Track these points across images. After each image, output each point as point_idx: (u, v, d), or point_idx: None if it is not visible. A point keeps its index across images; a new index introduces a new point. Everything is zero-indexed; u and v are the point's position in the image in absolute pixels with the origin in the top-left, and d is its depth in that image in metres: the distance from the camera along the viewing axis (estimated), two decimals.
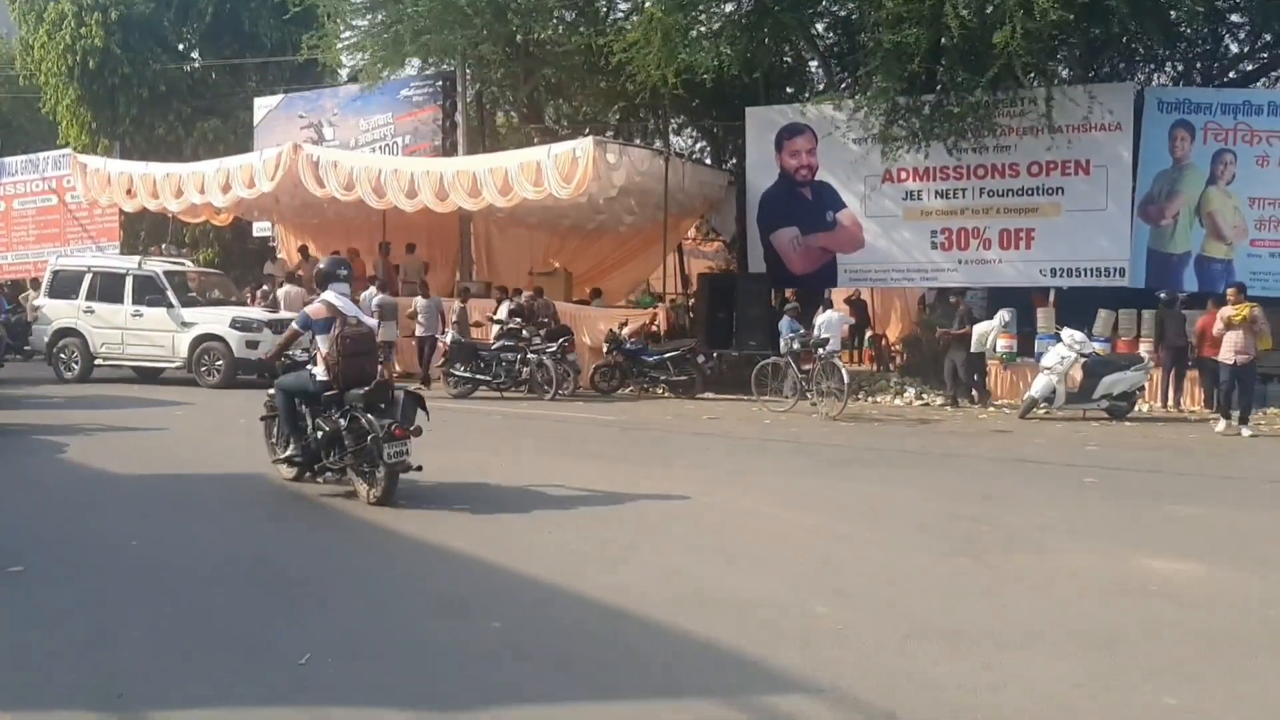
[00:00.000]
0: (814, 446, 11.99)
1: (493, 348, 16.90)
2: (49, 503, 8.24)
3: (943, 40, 16.42)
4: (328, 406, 8.15)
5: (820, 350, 14.82)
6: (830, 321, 16.98)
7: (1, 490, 8.71)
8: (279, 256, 23.00)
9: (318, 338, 8.20)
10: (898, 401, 16.93)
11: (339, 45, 22.42)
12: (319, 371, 8.18)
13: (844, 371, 14.45)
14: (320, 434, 8.18)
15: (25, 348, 20.43)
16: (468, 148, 21.74)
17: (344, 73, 29.95)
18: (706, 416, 14.55)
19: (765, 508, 8.22)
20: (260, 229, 25.99)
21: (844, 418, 14.31)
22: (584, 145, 16.91)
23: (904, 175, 18.76)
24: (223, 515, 7.74)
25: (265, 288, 20.67)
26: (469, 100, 22.69)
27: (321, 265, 8.85)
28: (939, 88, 17.51)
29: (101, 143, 27.38)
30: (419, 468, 7.90)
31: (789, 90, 22.71)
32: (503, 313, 17.75)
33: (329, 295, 8.26)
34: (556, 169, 17.04)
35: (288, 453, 8.50)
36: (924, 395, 16.85)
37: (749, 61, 18.17)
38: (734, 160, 23.26)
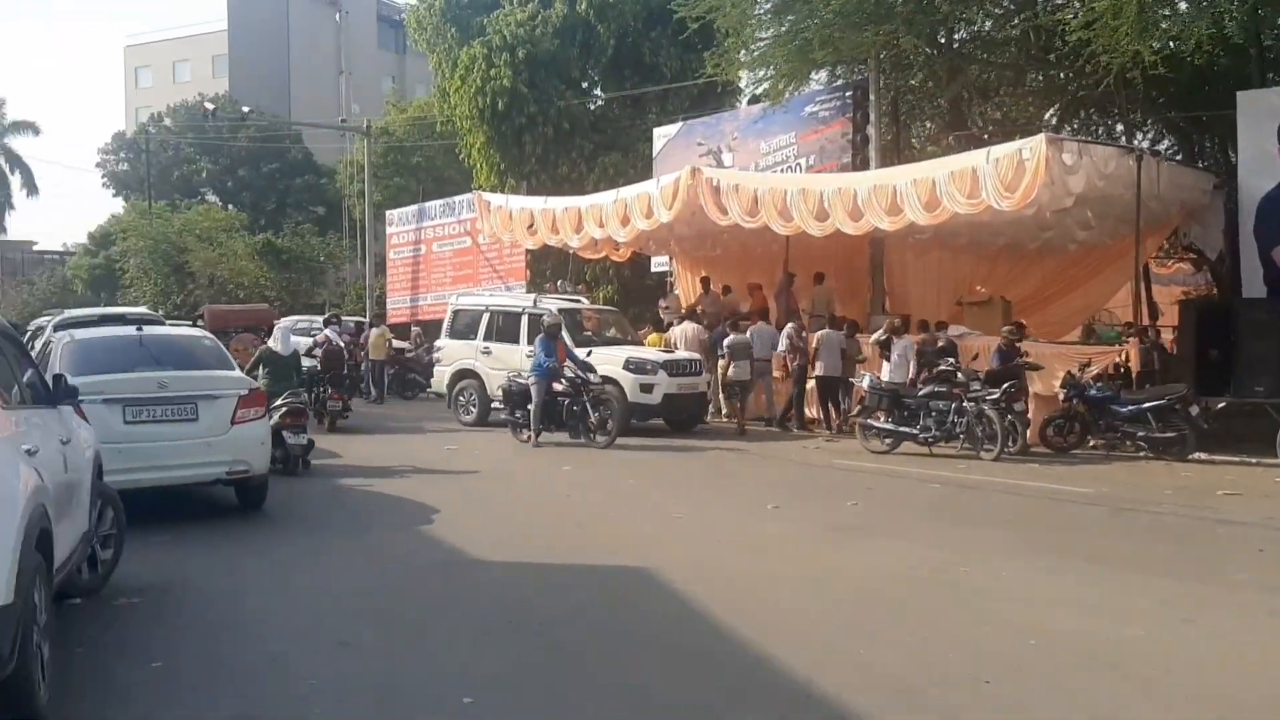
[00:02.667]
0: None
1: (920, 394, 14.09)
2: (381, 616, 6.41)
3: None
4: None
5: None
6: None
7: (330, 589, 7.10)
8: (675, 292, 21.48)
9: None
10: None
11: (740, 60, 20.61)
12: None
13: None
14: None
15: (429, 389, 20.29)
16: (880, 164, 19.13)
17: (743, 99, 28.57)
18: (1222, 491, 10.85)
19: None
20: (658, 264, 24.79)
21: None
22: (1034, 144, 13.73)
23: None
24: (611, 651, 5.57)
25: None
26: (882, 110, 20.04)
27: None
28: None
29: (509, 183, 27.58)
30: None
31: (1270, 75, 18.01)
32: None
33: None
34: (997, 176, 14.00)
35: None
36: None
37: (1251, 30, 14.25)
38: (1202, 161, 18.99)
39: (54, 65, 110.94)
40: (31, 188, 55.46)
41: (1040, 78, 21.16)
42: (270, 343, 12.57)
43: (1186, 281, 20.97)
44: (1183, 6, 14.89)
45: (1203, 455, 13.37)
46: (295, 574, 7.43)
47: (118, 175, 54.81)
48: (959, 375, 13.95)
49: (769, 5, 19.48)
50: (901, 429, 14.08)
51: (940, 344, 15.11)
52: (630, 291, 26.75)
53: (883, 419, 14.28)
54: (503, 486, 11.21)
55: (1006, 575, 7.10)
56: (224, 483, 9.38)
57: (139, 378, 9.01)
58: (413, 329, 27.59)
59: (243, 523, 9.32)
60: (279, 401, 11.46)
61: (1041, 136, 13.83)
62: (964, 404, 13.73)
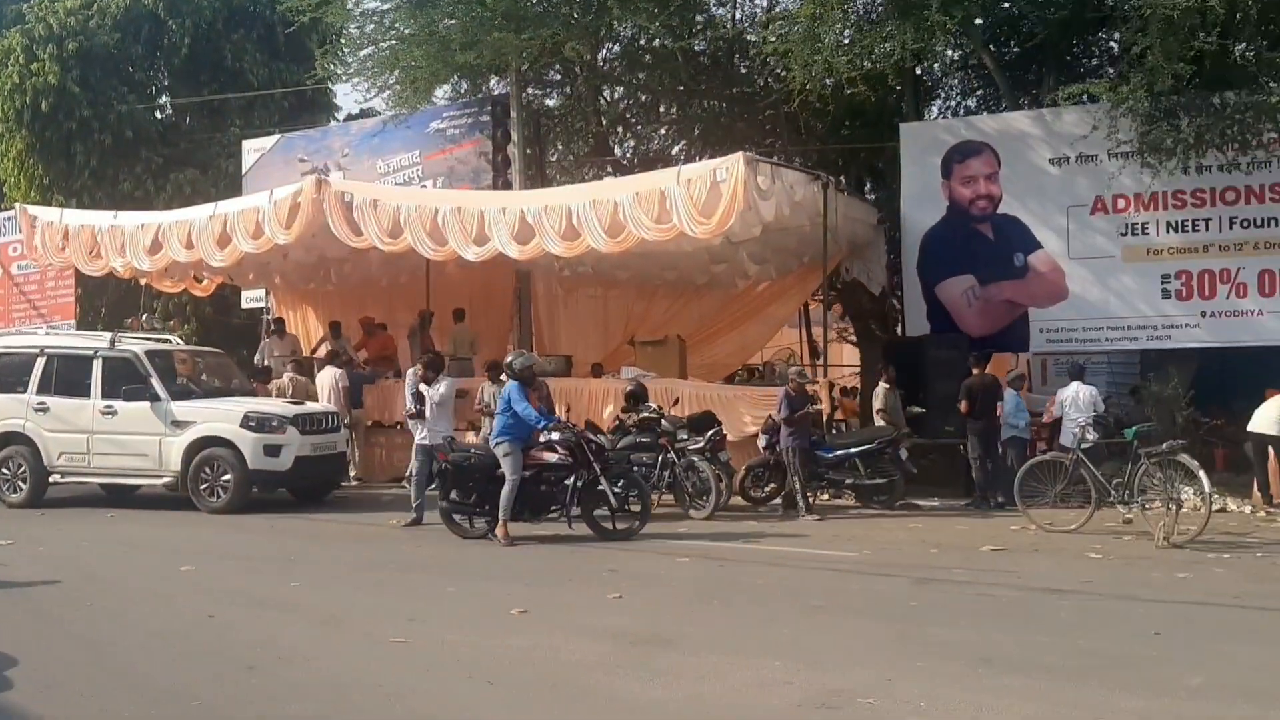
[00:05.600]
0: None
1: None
2: None
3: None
4: None
5: (1163, 445, 10.05)
6: (1078, 399, 12.47)
7: None
8: (288, 332, 17.86)
9: None
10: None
11: (357, 59, 17.74)
12: None
13: (1204, 478, 9.65)
14: None
15: None
16: (523, 188, 17.08)
17: (341, 114, 25.49)
18: (987, 547, 9.73)
19: None
20: (251, 298, 20.98)
21: (1196, 543, 9.59)
22: (730, 164, 12.22)
23: (1123, 204, 14.42)
24: None
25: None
26: (524, 131, 17.99)
27: None
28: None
29: (55, 199, 22.25)
30: None
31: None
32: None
33: None
34: (690, 199, 12.38)
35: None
36: (1221, 498, 12.03)
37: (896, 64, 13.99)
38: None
39: None
40: None
41: (674, 110, 20.31)
42: None
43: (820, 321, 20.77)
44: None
45: (909, 501, 12.63)
46: None
47: None
48: (664, 423, 12.09)
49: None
50: None
51: (630, 388, 13.16)
52: (212, 332, 22.49)
53: None
54: (107, 605, 7.56)
55: (944, 701, 5.05)
56: None
57: None
58: None
59: None
60: None
61: (739, 156, 12.33)
62: (668, 456, 11.92)
